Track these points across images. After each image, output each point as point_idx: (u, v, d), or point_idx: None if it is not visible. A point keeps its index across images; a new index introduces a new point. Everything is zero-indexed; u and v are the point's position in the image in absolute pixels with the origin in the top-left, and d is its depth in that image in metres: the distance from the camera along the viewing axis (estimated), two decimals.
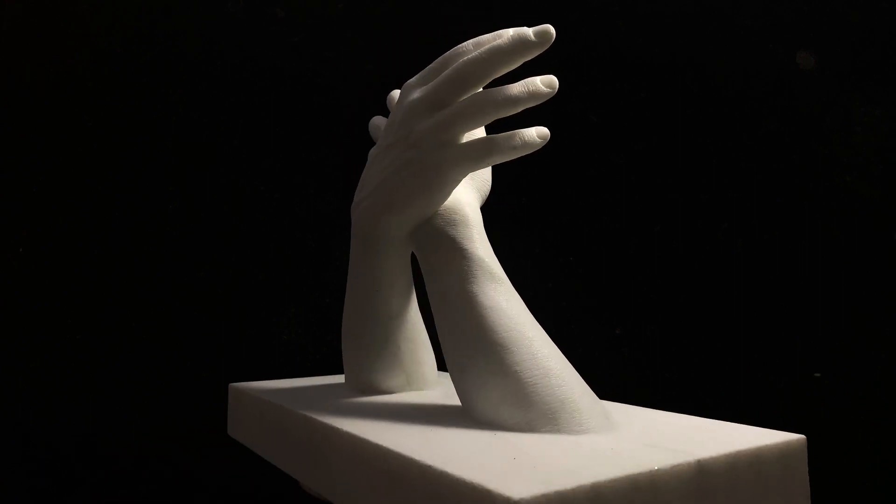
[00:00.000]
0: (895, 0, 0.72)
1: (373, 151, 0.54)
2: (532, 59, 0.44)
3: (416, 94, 0.48)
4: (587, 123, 0.83)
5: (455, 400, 0.51)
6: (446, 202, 0.50)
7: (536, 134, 0.45)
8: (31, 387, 0.80)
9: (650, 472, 0.31)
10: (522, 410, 0.41)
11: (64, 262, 0.82)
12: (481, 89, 0.46)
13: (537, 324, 0.46)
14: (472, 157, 0.46)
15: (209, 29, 0.87)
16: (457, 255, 0.48)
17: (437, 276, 0.48)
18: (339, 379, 0.64)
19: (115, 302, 0.82)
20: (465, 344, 0.45)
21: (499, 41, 0.44)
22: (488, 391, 0.43)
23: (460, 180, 0.48)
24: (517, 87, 0.44)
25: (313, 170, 0.88)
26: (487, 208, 0.55)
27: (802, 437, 0.38)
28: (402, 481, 0.35)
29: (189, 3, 0.87)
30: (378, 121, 0.61)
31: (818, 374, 0.72)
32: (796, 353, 0.73)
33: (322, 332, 0.85)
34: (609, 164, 0.82)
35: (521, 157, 0.45)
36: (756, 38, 0.76)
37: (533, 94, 0.44)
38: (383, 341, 0.55)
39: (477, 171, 0.53)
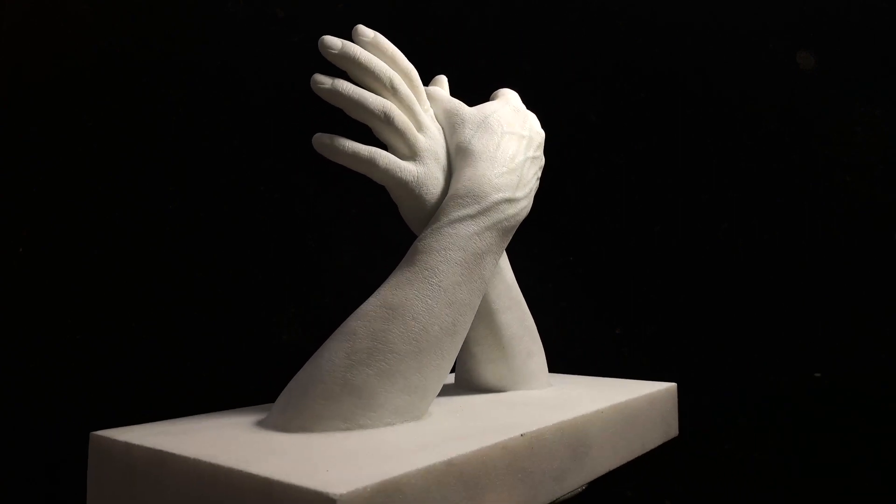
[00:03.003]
0: (895, 0, 0.72)
1: (523, 148, 0.51)
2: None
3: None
4: (587, 123, 0.83)
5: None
6: None
7: None
8: (32, 387, 0.80)
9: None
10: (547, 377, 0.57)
11: (64, 262, 0.82)
12: None
13: None
14: None
15: (209, 29, 0.87)
16: (505, 256, 0.55)
17: (504, 275, 0.54)
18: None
19: (115, 302, 0.82)
20: (531, 333, 0.55)
21: None
22: (542, 366, 0.55)
23: None
24: None
25: (313, 170, 0.88)
26: None
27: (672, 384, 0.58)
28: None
29: (189, 3, 0.87)
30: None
31: (818, 374, 0.72)
32: (796, 353, 0.73)
33: (322, 333, 0.85)
34: (609, 164, 0.82)
35: None
36: (756, 38, 0.76)
37: None
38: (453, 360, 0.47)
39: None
